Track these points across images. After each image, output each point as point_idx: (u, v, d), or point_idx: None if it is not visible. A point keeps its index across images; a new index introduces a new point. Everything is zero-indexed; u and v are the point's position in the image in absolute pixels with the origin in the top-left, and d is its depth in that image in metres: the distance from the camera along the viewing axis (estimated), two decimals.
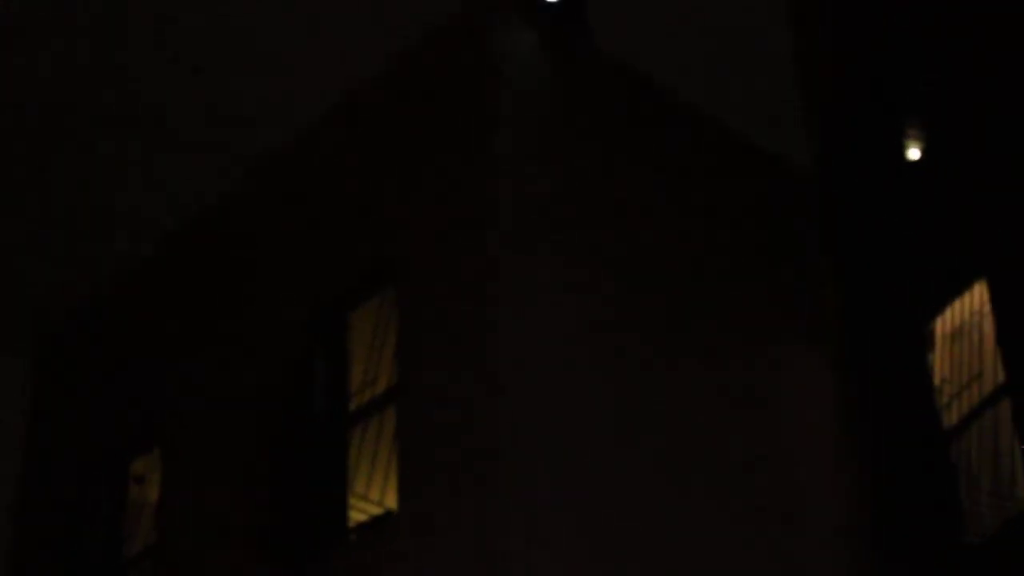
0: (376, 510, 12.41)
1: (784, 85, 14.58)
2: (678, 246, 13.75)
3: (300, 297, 14.01)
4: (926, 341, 14.45)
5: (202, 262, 15.49)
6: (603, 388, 12.43)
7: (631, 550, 11.86)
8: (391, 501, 12.34)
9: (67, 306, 16.53)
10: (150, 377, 15.22)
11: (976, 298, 14.41)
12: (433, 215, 12.97)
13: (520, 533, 11.18)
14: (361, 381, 13.37)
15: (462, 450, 11.74)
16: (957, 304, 14.48)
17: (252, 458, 13.45)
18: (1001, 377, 13.55)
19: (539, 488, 11.45)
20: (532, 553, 11.13)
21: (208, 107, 14.53)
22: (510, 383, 11.77)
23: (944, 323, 14.65)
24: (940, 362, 14.47)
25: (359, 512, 12.54)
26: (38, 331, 16.67)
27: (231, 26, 13.87)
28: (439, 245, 12.79)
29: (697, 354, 13.37)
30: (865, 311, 14.86)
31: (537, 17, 13.40)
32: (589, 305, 12.73)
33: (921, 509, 13.62)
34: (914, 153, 14.47)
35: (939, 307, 14.46)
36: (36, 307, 16.57)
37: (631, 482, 12.15)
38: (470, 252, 12.50)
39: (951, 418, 13.99)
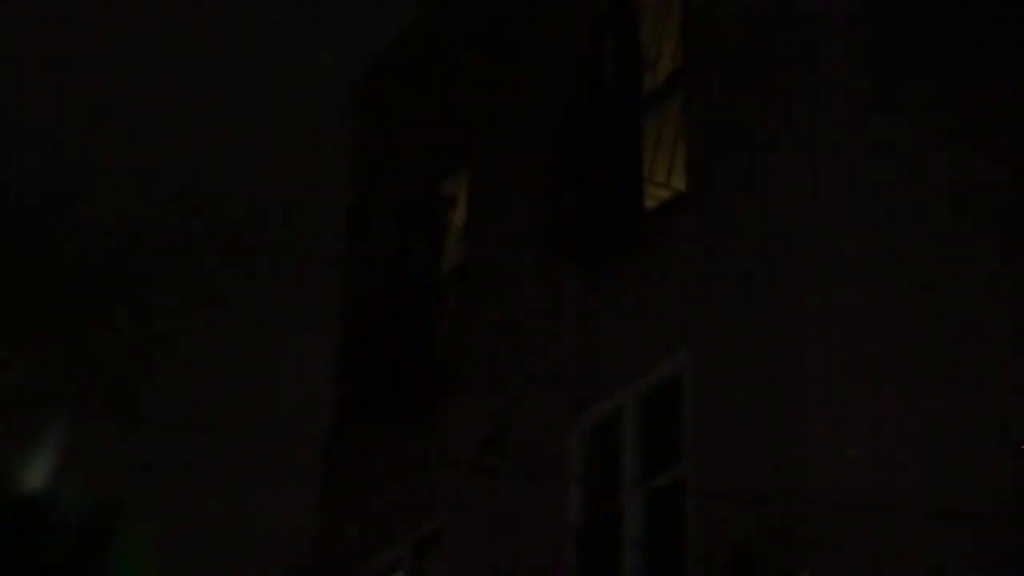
0: (665, 193, 11.88)
1: None
2: None
3: None
4: None
5: None
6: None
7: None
8: (679, 183, 11.79)
9: (386, 42, 16.97)
10: (456, 104, 15.26)
11: None
12: None
13: (807, 209, 10.76)
14: (650, 68, 12.81)
15: (754, 131, 11.23)
16: None
17: (549, 167, 13.09)
18: None
19: (830, 170, 10.89)
20: (819, 219, 10.72)
21: None
22: (807, 68, 11.18)
23: None
24: None
25: (650, 199, 12.06)
26: (361, 64, 17.23)
27: None
28: None
29: None
30: None
31: None
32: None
33: None
34: None
35: None
36: (358, 42, 17.09)
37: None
38: None
39: None
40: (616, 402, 11.84)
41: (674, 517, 11.05)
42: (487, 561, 12.67)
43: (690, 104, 11.93)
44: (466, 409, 13.43)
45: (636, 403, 11.68)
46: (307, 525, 15.19)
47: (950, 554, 10.36)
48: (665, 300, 11.55)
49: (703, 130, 11.70)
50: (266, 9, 16.94)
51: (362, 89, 17.25)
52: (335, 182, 17.52)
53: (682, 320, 11.32)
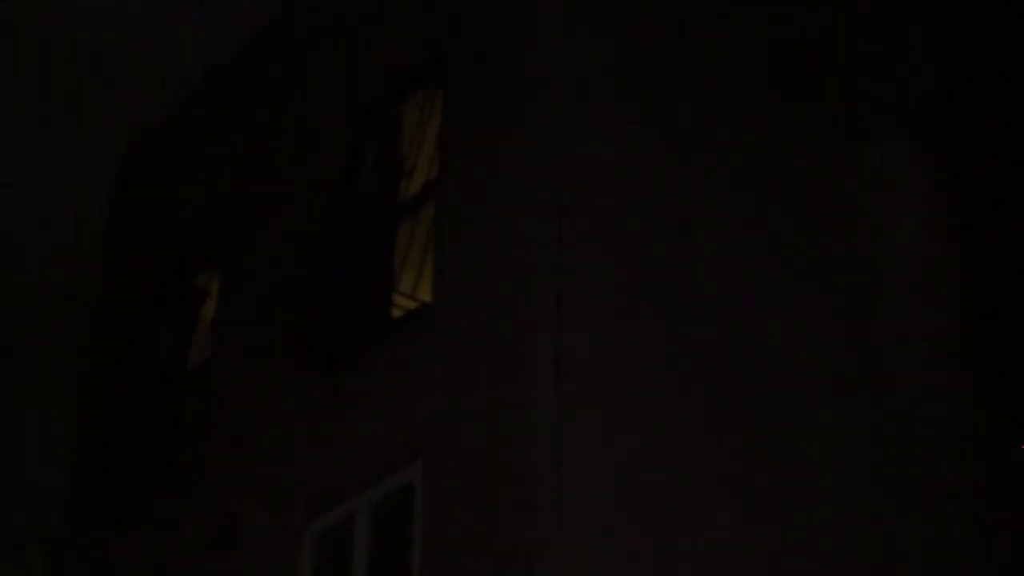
0: (410, 304, 11.88)
1: None
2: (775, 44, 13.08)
3: (350, 94, 13.64)
4: None
5: (257, 77, 15.35)
6: (657, 182, 11.80)
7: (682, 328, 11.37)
8: (425, 294, 11.84)
9: (141, 131, 16.86)
10: (213, 193, 15.17)
11: None
12: (484, 8, 12.41)
13: (549, 323, 10.74)
14: (407, 176, 12.90)
15: (497, 243, 11.29)
16: None
17: (300, 268, 13.05)
18: None
19: (570, 276, 10.97)
20: (562, 338, 10.73)
21: None
22: (549, 180, 11.27)
23: None
24: None
25: (397, 308, 12.05)
26: (117, 154, 17.11)
27: None
28: (488, 40, 12.25)
29: (795, 159, 12.79)
30: (973, 109, 13.78)
31: None
32: (644, 97, 12.02)
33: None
34: None
35: None
36: (114, 133, 17.15)
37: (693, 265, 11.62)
38: (517, 45, 11.93)
39: None
40: (349, 511, 11.71)
41: None
42: None
43: (440, 216, 11.94)
44: (199, 508, 13.17)
45: (368, 513, 11.57)
46: None
47: None
48: (401, 411, 11.48)
49: (451, 243, 11.70)
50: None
51: (128, 164, 17.09)
52: (87, 257, 17.28)
53: (416, 431, 11.25)
